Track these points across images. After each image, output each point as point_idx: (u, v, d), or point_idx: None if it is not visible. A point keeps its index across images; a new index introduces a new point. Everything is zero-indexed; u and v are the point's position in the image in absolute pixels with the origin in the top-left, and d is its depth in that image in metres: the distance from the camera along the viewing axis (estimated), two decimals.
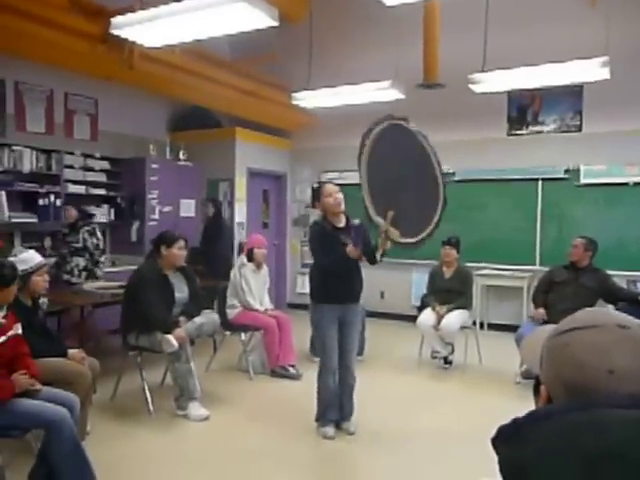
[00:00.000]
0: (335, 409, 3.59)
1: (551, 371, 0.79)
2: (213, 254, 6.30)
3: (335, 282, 3.46)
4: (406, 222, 3.28)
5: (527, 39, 6.18)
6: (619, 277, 5.28)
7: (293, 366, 4.84)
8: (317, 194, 3.62)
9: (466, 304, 5.11)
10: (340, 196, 3.48)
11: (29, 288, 3.13)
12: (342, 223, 3.52)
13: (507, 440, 0.75)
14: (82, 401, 2.92)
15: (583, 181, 6.41)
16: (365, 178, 3.54)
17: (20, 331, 2.80)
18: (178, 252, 3.96)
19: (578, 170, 6.43)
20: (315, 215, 3.78)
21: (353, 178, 7.07)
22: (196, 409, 3.80)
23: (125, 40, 4.14)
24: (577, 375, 0.75)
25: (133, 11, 3.63)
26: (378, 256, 3.43)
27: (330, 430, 3.55)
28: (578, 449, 0.68)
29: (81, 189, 6.16)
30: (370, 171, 3.52)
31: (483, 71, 4.87)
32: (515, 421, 0.76)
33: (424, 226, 3.24)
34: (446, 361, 5.14)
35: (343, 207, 3.50)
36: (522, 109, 6.81)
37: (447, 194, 3.12)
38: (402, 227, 3.31)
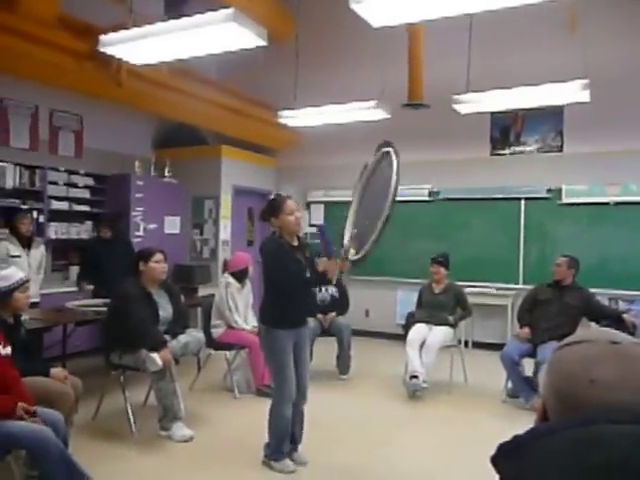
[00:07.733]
0: (288, 440, 3.36)
1: (546, 384, 0.83)
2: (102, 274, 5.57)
3: (292, 305, 3.26)
4: (358, 239, 3.25)
5: (510, 62, 6.32)
6: (601, 295, 5.36)
7: None
8: (274, 208, 3.27)
9: (468, 314, 5.33)
10: (300, 215, 3.33)
11: (11, 305, 3.08)
12: (296, 242, 3.31)
13: (508, 457, 0.75)
14: (64, 421, 2.86)
15: (565, 200, 6.51)
16: (355, 206, 3.51)
17: (9, 352, 2.73)
18: (156, 265, 3.92)
19: (560, 190, 6.54)
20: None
21: (339, 196, 7.20)
22: (180, 429, 3.74)
23: (113, 57, 4.15)
24: (563, 384, 0.79)
25: (122, 29, 3.63)
26: (334, 279, 3.27)
27: (290, 464, 3.33)
28: (579, 464, 0.68)
29: (64, 205, 6.11)
30: (360, 198, 3.51)
31: (467, 92, 4.96)
32: (516, 438, 0.76)
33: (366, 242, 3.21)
34: (413, 377, 4.82)
35: (302, 226, 3.40)
36: (505, 130, 6.93)
37: (391, 214, 3.07)
38: (355, 244, 3.25)
